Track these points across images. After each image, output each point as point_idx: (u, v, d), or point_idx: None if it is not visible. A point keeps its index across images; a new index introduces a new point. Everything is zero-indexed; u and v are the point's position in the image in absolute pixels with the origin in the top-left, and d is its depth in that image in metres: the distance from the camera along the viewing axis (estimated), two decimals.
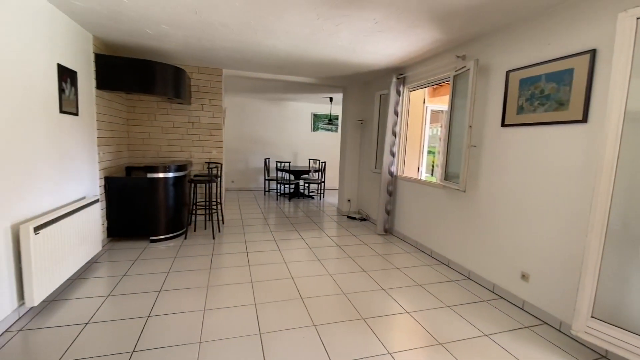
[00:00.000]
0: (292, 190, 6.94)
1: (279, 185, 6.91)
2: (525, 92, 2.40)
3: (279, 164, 6.57)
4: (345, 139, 5.35)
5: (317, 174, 6.94)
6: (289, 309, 2.27)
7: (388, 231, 4.26)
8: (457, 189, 2.93)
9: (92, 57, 3.15)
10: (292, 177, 6.78)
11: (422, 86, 3.83)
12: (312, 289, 2.58)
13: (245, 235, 4.00)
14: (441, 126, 5.55)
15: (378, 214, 4.23)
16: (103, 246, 3.36)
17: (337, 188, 6.38)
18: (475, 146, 2.84)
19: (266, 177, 7.12)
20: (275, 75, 4.67)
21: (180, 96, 3.79)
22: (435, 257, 3.41)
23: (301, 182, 7.43)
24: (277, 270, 2.94)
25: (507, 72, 2.55)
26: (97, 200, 3.01)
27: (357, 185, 5.40)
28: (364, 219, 5.02)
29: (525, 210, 2.41)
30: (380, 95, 4.43)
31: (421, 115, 4.21)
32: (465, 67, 2.86)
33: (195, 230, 4.10)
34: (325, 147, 8.27)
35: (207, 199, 3.87)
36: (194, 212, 4.06)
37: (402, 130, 4.15)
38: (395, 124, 4.06)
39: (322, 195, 6.96)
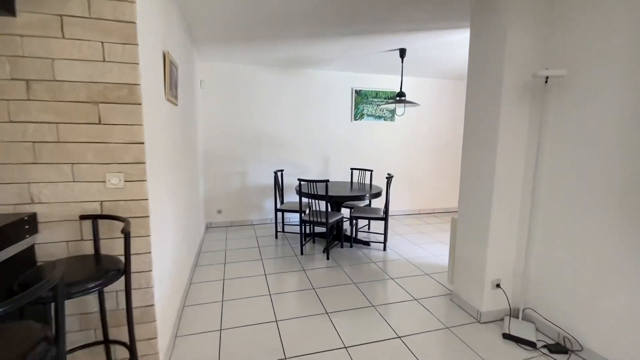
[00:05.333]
0: (329, 227, 3.68)
1: (303, 225, 3.62)
2: None
3: (302, 184, 3.43)
4: (479, 127, 2.13)
5: (375, 198, 3.70)
6: None
7: None
8: None
9: None
10: (328, 206, 3.56)
11: None
12: None
13: None
14: None
15: None
16: None
17: (448, 241, 3.30)
18: None
19: (278, 207, 3.91)
20: None
21: None
22: None
23: (345, 211, 4.11)
24: None
25: None
26: None
27: (524, 242, 2.14)
28: (563, 352, 1.80)
29: None
30: None
31: None
32: None
33: None
34: (378, 149, 4.98)
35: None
36: None
37: None
38: None
39: (385, 239, 3.66)
